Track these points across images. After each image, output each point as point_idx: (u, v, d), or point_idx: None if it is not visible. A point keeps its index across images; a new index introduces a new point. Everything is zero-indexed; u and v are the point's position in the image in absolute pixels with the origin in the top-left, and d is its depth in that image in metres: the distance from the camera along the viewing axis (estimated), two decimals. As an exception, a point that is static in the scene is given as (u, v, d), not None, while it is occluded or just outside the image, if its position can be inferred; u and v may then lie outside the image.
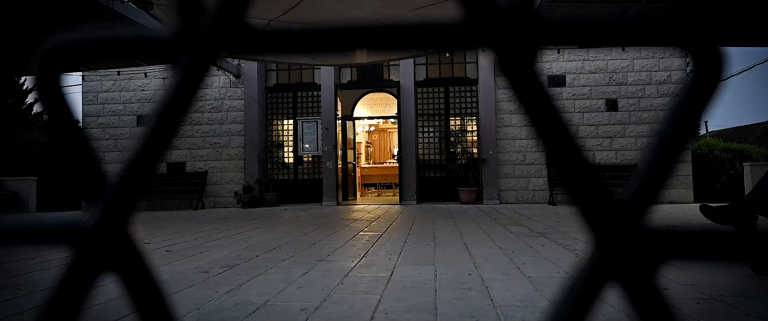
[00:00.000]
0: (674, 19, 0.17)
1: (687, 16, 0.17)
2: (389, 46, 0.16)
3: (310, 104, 9.87)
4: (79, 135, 0.17)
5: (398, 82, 9.45)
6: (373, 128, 16.24)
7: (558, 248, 3.36)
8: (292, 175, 9.76)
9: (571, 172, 0.16)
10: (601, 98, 8.84)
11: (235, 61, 9.32)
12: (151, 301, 0.17)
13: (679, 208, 7.32)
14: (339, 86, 9.64)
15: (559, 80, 8.92)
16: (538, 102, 0.16)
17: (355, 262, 2.95)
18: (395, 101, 9.84)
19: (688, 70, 0.18)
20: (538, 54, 0.16)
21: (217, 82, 9.61)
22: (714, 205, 2.93)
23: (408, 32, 0.16)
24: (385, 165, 14.25)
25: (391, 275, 2.52)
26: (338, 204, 9.15)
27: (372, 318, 1.78)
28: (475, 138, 9.27)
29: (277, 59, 7.90)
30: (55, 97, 0.17)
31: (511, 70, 0.16)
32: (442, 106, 9.53)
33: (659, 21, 0.17)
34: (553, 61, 8.89)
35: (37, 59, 0.16)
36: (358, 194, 11.65)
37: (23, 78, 16.88)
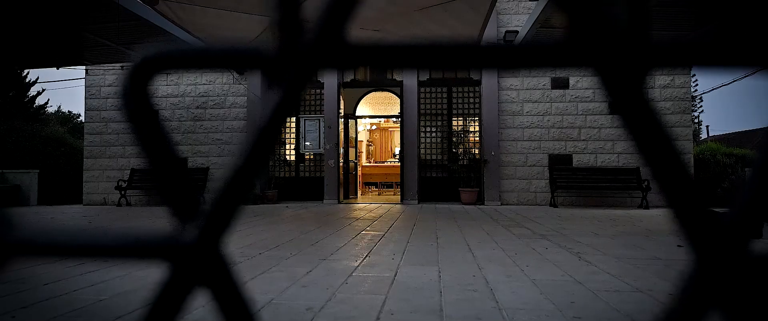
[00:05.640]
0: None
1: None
2: (493, 64, 0.16)
3: (312, 102, 9.86)
4: (168, 148, 0.16)
5: (401, 81, 9.44)
6: (374, 127, 16.23)
7: (561, 251, 3.36)
8: (293, 173, 9.76)
9: (677, 194, 0.15)
10: (604, 101, 8.81)
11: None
12: (241, 317, 0.17)
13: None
14: (342, 85, 9.63)
15: (562, 83, 8.90)
16: (647, 125, 0.15)
17: (359, 261, 2.95)
18: (397, 100, 9.83)
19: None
20: (647, 76, 0.15)
21: (221, 78, 9.59)
22: (718, 210, 2.93)
23: (515, 52, 0.16)
24: (386, 164, 14.25)
25: (395, 275, 2.52)
26: (339, 202, 9.15)
27: (378, 318, 1.78)
28: (478, 139, 9.26)
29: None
30: (143, 110, 0.16)
31: (619, 93, 0.15)
32: (444, 107, 9.52)
33: (760, 40, 0.16)
34: (556, 63, 8.87)
35: (129, 70, 0.16)
36: (359, 193, 11.65)
37: (25, 71, 16.87)
